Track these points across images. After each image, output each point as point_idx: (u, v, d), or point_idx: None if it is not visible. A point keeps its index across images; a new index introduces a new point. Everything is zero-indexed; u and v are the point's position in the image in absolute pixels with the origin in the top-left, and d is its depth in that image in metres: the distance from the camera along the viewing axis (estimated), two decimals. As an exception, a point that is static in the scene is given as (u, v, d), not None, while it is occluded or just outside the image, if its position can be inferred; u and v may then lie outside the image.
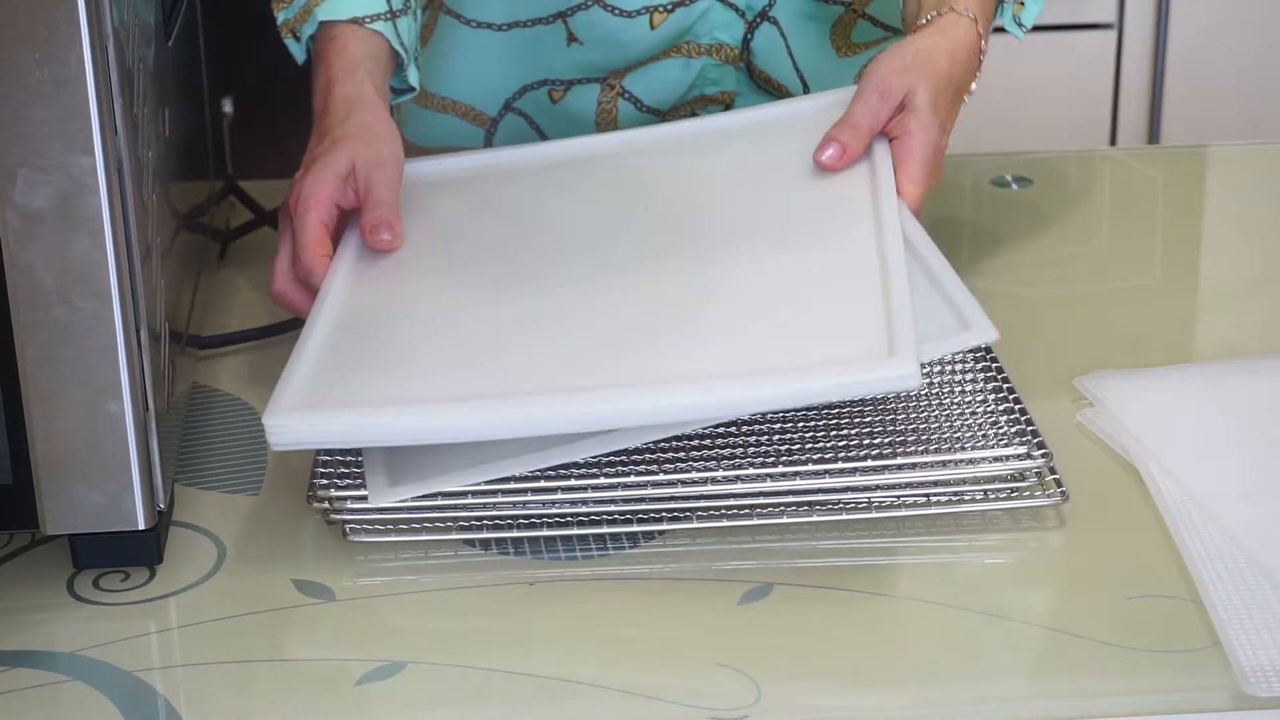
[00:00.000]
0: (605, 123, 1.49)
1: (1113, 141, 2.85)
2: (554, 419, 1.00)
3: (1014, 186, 1.50)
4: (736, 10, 1.45)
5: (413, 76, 1.33)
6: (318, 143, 1.25)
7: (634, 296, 1.12)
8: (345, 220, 1.24)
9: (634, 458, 1.06)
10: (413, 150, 1.55)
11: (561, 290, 1.15)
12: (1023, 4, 1.34)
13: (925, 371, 1.15)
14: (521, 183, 1.30)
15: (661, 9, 1.42)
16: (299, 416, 1.01)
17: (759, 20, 1.46)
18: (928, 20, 1.29)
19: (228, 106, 1.39)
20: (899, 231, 1.12)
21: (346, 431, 1.02)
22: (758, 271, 1.13)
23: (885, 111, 1.25)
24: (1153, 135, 2.86)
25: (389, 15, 1.30)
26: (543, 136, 1.52)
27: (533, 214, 1.25)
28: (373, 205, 1.22)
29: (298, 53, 1.32)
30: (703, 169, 1.28)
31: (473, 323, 1.12)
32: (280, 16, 1.31)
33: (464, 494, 1.03)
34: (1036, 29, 2.73)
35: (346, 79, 1.27)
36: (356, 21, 1.29)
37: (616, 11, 1.43)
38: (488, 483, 1.04)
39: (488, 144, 1.53)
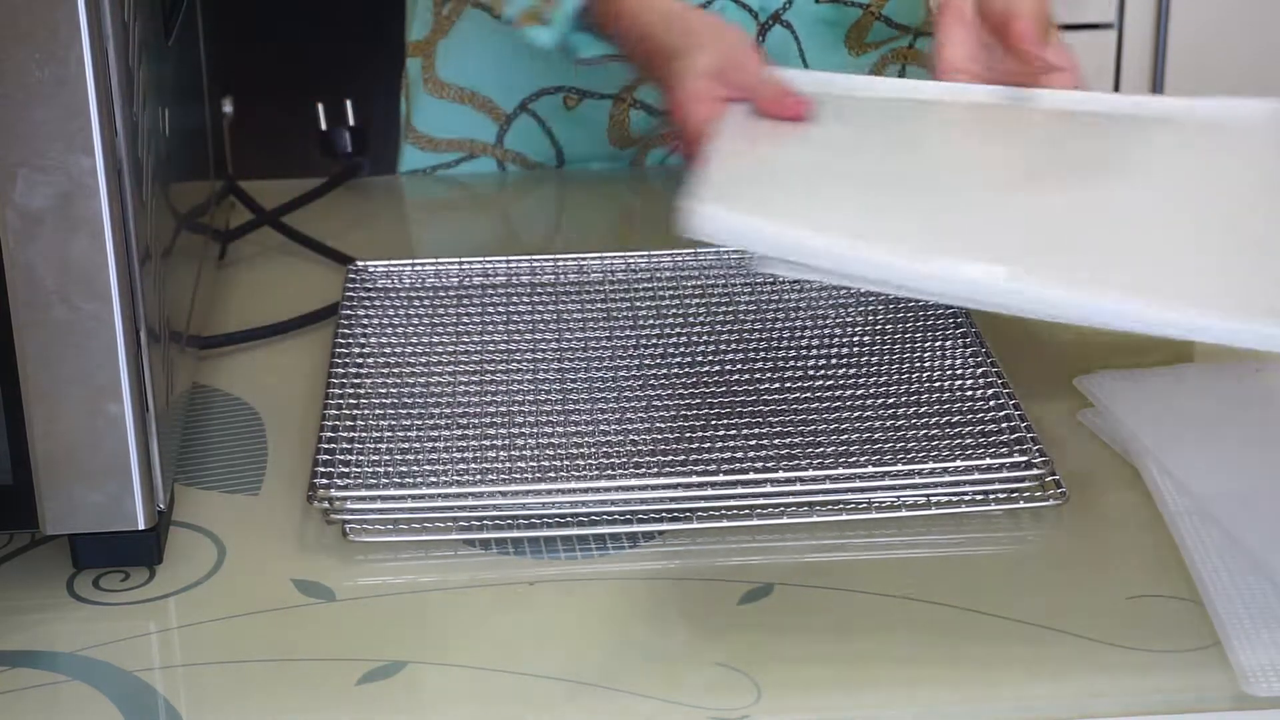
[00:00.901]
0: (617, 130, 1.50)
1: (1113, 141, 2.85)
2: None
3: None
4: (750, 11, 1.45)
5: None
6: (659, 69, 1.23)
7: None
8: None
9: (634, 459, 1.07)
10: (422, 141, 1.55)
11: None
12: None
13: (922, 368, 1.15)
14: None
15: None
16: (723, 212, 0.99)
17: (771, 22, 1.46)
18: None
19: (228, 106, 1.39)
20: None
21: (765, 238, 1.00)
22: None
23: (970, 31, 1.22)
24: (1153, 135, 2.85)
25: None
26: (553, 140, 1.53)
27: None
28: (764, 86, 1.20)
29: (545, 39, 1.31)
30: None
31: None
32: (509, 13, 1.31)
33: (464, 494, 1.03)
34: (1036, 29, 2.74)
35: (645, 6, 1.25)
36: None
37: None
38: (488, 483, 1.04)
39: (500, 140, 1.53)
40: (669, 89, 1.21)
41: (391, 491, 1.04)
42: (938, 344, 1.18)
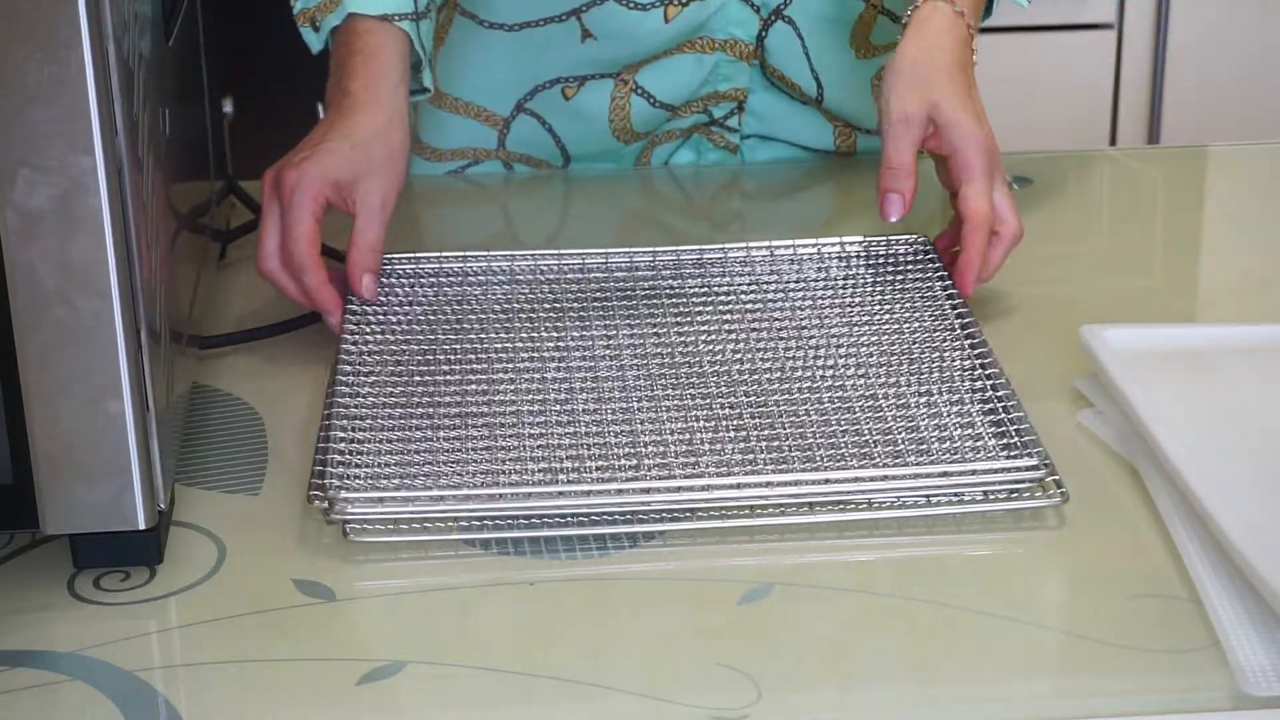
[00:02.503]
0: (618, 119, 1.49)
1: (1113, 141, 2.85)
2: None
3: (1014, 187, 1.50)
4: (752, 6, 1.45)
5: (427, 79, 1.34)
6: (326, 131, 1.26)
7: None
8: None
9: (634, 459, 1.07)
10: (427, 152, 1.55)
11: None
12: None
13: (923, 368, 1.15)
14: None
15: (675, 2, 1.43)
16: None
17: (773, 18, 1.46)
18: (904, 23, 1.30)
19: (228, 106, 1.39)
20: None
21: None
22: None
23: (915, 139, 1.26)
24: (1153, 135, 2.86)
25: (414, 16, 1.30)
26: (555, 138, 1.52)
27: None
28: (361, 241, 1.24)
29: (314, 42, 1.32)
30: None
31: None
32: (299, 5, 1.31)
33: (464, 495, 1.03)
34: (1036, 29, 2.75)
35: (380, 79, 1.28)
36: (386, 18, 1.29)
37: (631, 4, 1.43)
38: (488, 483, 1.04)
39: (500, 145, 1.53)
40: (309, 148, 1.24)
41: (391, 492, 1.04)
42: (939, 345, 1.18)
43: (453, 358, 1.19)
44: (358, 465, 1.06)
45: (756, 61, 1.48)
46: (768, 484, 1.04)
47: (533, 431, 1.10)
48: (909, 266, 1.29)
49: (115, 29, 0.94)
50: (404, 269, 1.29)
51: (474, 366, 1.17)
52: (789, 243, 1.30)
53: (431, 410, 1.12)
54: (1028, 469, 1.05)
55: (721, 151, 1.55)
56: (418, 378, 1.16)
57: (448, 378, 1.16)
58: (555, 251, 1.31)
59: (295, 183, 1.22)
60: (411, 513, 1.03)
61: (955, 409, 1.11)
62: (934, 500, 1.05)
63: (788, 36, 1.47)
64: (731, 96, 1.50)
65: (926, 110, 1.26)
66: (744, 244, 1.31)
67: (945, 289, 1.25)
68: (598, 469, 1.06)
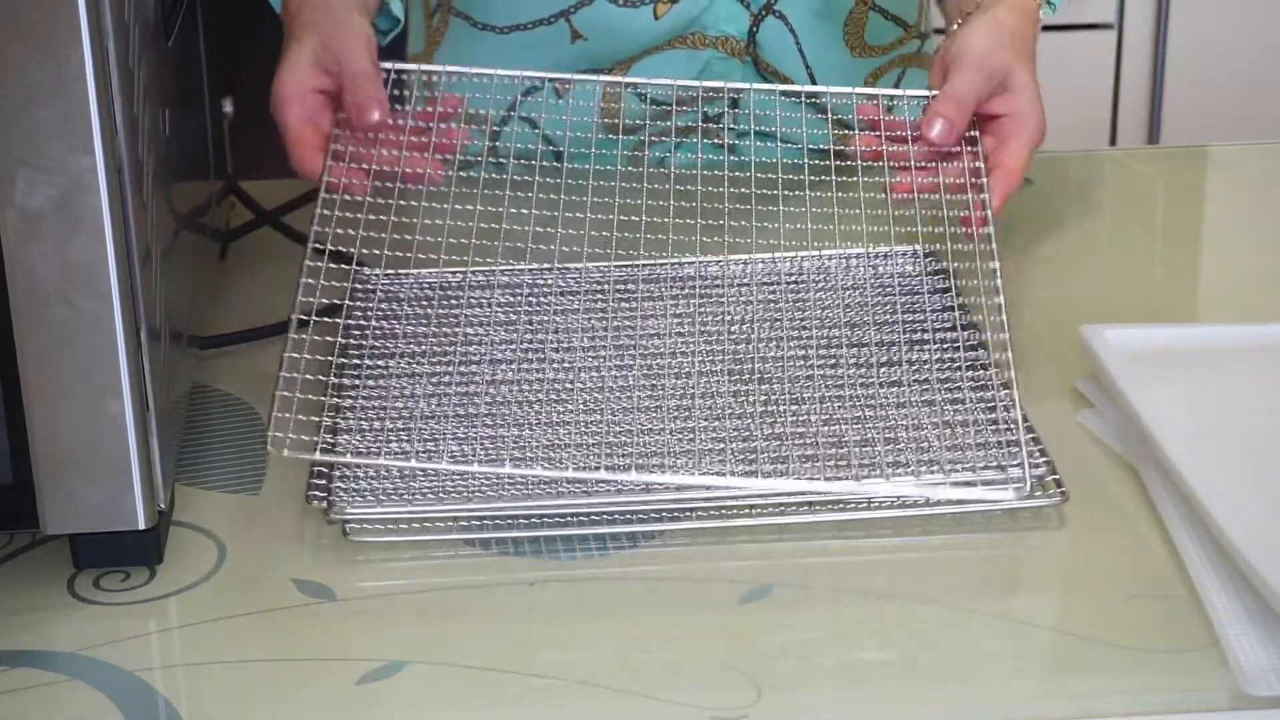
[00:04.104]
0: (609, 116, 1.49)
1: (1113, 141, 2.85)
2: None
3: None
4: (741, 2, 1.45)
5: (396, 7, 1.32)
6: (285, 48, 1.24)
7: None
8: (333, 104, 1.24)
9: (635, 459, 1.07)
10: None
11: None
12: None
13: (923, 368, 1.15)
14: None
15: None
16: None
17: (764, 13, 1.46)
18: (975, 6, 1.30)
19: (228, 106, 1.39)
20: None
21: None
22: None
23: (987, 90, 1.26)
24: (1153, 135, 2.86)
25: None
26: (547, 140, 1.52)
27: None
28: (351, 80, 1.21)
29: (275, 2, 1.31)
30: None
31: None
32: None
33: (464, 494, 1.03)
34: (1036, 29, 2.74)
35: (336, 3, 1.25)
36: None
37: (620, 2, 1.43)
38: (488, 484, 1.04)
39: (492, 150, 1.53)
40: (274, 83, 1.23)
41: (391, 492, 1.04)
42: (939, 345, 1.18)
43: (453, 357, 1.18)
44: (358, 465, 1.06)
45: (749, 58, 1.48)
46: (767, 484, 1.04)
47: (533, 431, 1.10)
48: (910, 272, 1.29)
49: (115, 29, 0.94)
50: (407, 277, 1.29)
51: (475, 366, 1.17)
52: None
53: (432, 410, 1.12)
54: (1027, 468, 1.05)
55: (716, 149, 1.55)
56: (418, 377, 1.16)
57: (448, 377, 1.16)
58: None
59: (278, 90, 1.21)
60: (411, 513, 1.03)
61: (956, 409, 1.11)
62: (933, 500, 1.05)
63: (780, 32, 1.47)
64: (724, 93, 1.49)
65: (1006, 73, 1.26)
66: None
67: (946, 291, 1.25)
68: (598, 469, 1.06)
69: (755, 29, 1.46)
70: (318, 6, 1.25)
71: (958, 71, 1.26)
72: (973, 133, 1.26)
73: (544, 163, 1.54)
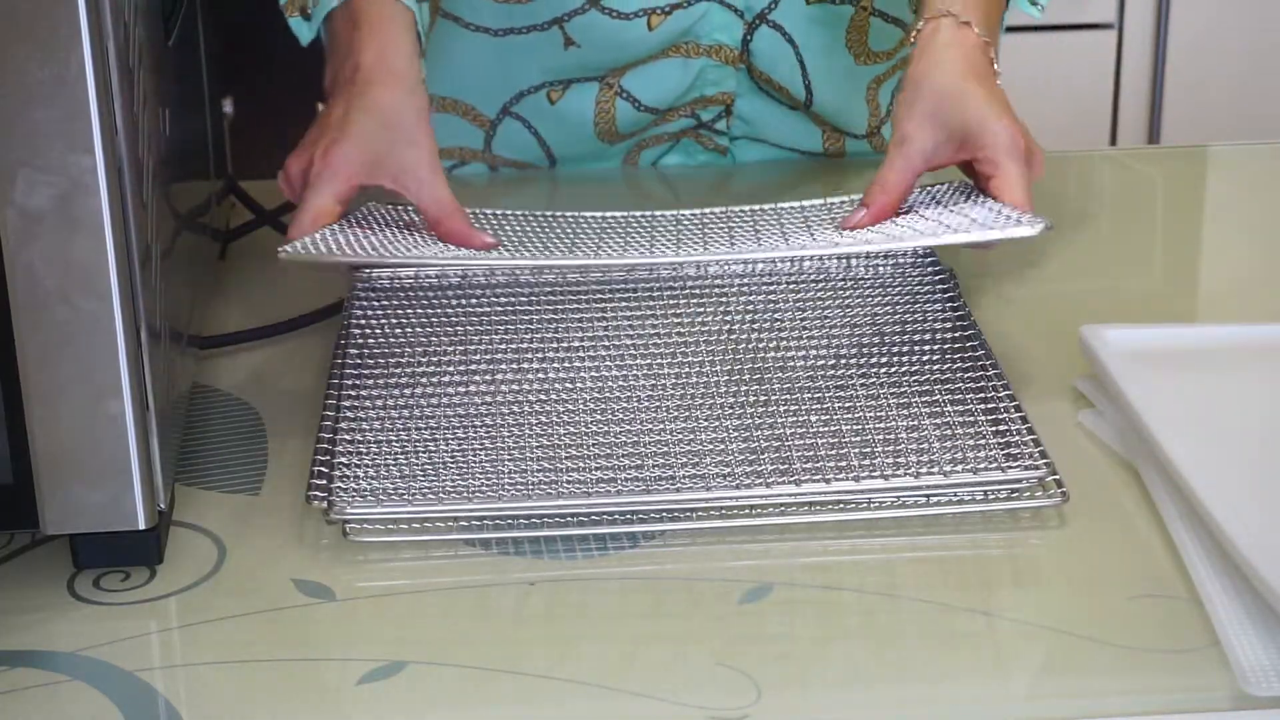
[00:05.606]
0: (603, 123, 1.49)
1: (1113, 141, 2.85)
2: None
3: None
4: (735, 11, 1.45)
5: (423, 66, 1.33)
6: (345, 110, 1.22)
7: None
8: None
9: (636, 459, 1.07)
10: None
11: None
12: None
13: (923, 369, 1.15)
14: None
15: (659, 11, 1.42)
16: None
17: (758, 22, 1.46)
18: (911, 42, 1.30)
19: (228, 106, 1.39)
20: None
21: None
22: None
23: (911, 159, 1.25)
24: (1153, 135, 2.86)
25: None
26: (540, 141, 1.52)
27: None
28: (434, 205, 1.23)
29: (305, 32, 1.29)
30: None
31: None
32: None
33: (464, 494, 1.03)
34: (1036, 29, 2.75)
35: (393, 48, 1.23)
36: None
37: (614, 14, 1.43)
38: (488, 484, 1.04)
39: (487, 146, 1.53)
40: (324, 133, 1.22)
41: (392, 492, 1.04)
42: (939, 345, 1.18)
43: (454, 357, 1.19)
44: (358, 465, 1.06)
45: (743, 66, 1.48)
46: (767, 484, 1.04)
47: (534, 431, 1.10)
48: (910, 272, 1.29)
49: (115, 29, 0.94)
50: (406, 274, 1.29)
51: (475, 366, 1.17)
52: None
53: (432, 410, 1.12)
54: (1028, 469, 1.05)
55: (711, 154, 1.55)
56: (418, 377, 1.16)
57: (448, 377, 1.16)
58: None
59: (323, 169, 1.21)
60: (411, 513, 1.03)
61: (956, 409, 1.11)
62: (934, 500, 1.05)
63: (775, 41, 1.47)
64: (718, 100, 1.49)
65: (931, 132, 1.25)
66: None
67: (947, 292, 1.25)
68: (598, 469, 1.06)
69: (749, 37, 1.46)
70: (379, 84, 1.22)
71: (887, 159, 1.26)
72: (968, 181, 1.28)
73: (538, 166, 1.55)
